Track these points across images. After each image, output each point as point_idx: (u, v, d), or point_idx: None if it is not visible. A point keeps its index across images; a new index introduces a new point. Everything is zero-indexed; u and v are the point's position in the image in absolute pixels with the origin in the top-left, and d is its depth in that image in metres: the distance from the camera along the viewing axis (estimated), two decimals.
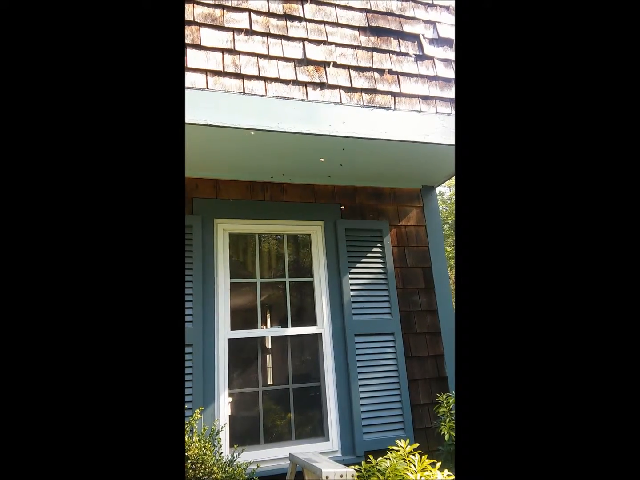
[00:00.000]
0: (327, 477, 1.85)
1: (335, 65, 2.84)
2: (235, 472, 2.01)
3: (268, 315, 3.23)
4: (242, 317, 3.04)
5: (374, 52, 2.96)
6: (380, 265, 3.28)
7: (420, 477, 1.71)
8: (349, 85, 2.82)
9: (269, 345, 3.16)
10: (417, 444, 2.00)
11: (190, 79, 2.51)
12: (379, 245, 3.32)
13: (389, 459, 1.87)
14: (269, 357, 3.16)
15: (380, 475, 1.83)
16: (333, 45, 2.89)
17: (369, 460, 2.02)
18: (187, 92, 2.47)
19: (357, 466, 2.04)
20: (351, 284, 3.17)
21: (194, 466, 1.90)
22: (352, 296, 3.14)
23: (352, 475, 1.88)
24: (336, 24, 2.95)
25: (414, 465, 1.80)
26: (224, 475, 1.96)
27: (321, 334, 3.09)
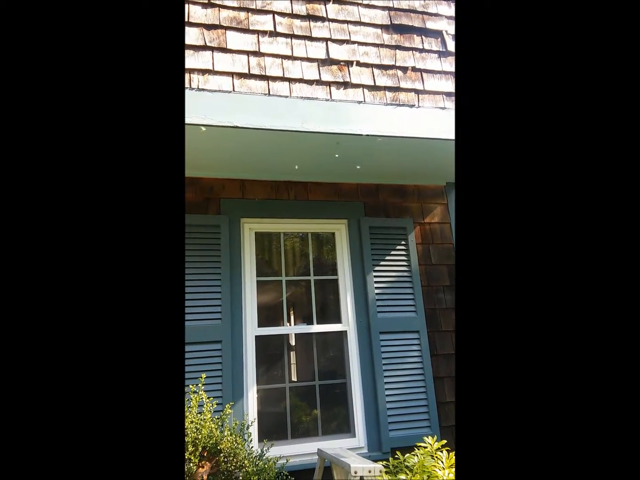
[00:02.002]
0: (355, 472, 1.88)
1: (359, 64, 2.85)
2: (266, 466, 2.07)
3: (294, 312, 3.28)
4: (268, 315, 3.10)
5: (397, 50, 2.96)
6: (404, 263, 3.28)
7: (449, 473, 1.72)
8: (372, 84, 2.83)
9: (294, 342, 3.21)
10: (445, 441, 2.01)
11: (216, 82, 2.57)
12: (403, 242, 3.33)
13: (417, 455, 1.88)
14: (295, 354, 3.21)
15: (408, 471, 1.85)
16: (356, 44, 2.90)
17: (396, 456, 2.05)
18: (213, 95, 2.52)
19: (384, 462, 2.06)
20: (375, 282, 3.18)
21: (226, 459, 1.96)
22: (376, 294, 3.15)
23: (380, 471, 1.91)
24: (359, 23, 2.97)
25: (442, 462, 1.81)
26: (254, 469, 2.02)
27: (346, 331, 3.12)
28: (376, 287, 3.17)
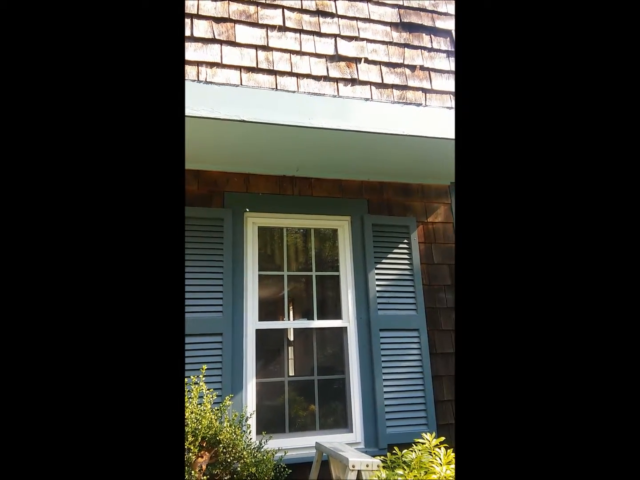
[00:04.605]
0: (353, 466, 1.90)
1: (367, 61, 2.85)
2: (264, 458, 2.08)
3: (294, 307, 3.29)
4: (269, 309, 3.11)
5: (406, 48, 2.96)
6: (406, 261, 3.29)
7: (446, 469, 1.74)
8: (380, 82, 2.83)
9: (294, 337, 3.23)
10: (443, 438, 2.02)
11: (225, 75, 2.57)
12: (405, 241, 3.34)
13: (414, 451, 1.90)
14: (294, 349, 3.23)
15: (405, 467, 1.86)
16: (365, 41, 2.90)
17: (394, 451, 2.06)
18: (221, 88, 2.53)
19: (382, 457, 2.08)
20: (377, 279, 3.19)
21: (225, 450, 1.98)
22: (377, 291, 3.17)
23: (378, 466, 1.93)
24: (368, 20, 2.97)
25: (440, 458, 1.83)
26: (253, 460, 2.04)
27: (346, 327, 3.14)
28: (377, 285, 3.18)
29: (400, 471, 1.82)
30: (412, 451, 1.94)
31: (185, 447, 1.87)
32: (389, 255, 3.28)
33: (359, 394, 2.99)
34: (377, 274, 3.21)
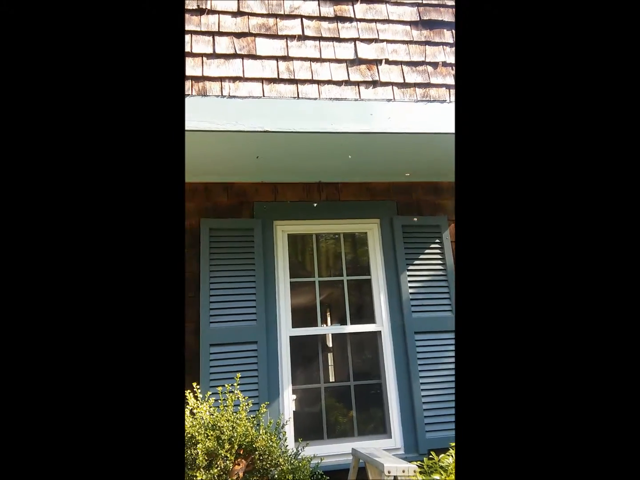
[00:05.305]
0: (389, 472, 1.88)
1: (387, 62, 2.83)
2: (300, 465, 2.09)
3: (327, 313, 3.30)
4: (302, 315, 3.13)
5: (427, 46, 2.92)
6: (439, 261, 3.22)
7: None
8: (402, 81, 2.81)
9: (329, 342, 3.23)
10: None
11: (247, 88, 2.63)
12: (437, 241, 3.27)
13: (451, 456, 1.85)
14: (329, 354, 3.23)
15: (442, 472, 1.82)
16: (385, 43, 2.89)
17: (430, 456, 2.02)
18: (244, 101, 2.58)
19: (419, 462, 2.04)
20: (409, 281, 3.15)
21: (261, 457, 2.00)
22: (410, 293, 3.12)
23: (414, 471, 1.89)
24: (387, 21, 2.95)
25: None
26: (290, 467, 2.05)
27: (380, 331, 3.11)
28: (410, 287, 3.14)
29: (437, 476, 1.78)
30: (449, 455, 1.90)
31: (222, 454, 1.91)
32: (421, 256, 3.22)
33: (397, 398, 2.94)
34: (409, 275, 3.16)
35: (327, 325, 3.24)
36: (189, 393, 2.14)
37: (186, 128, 2.49)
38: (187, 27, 2.67)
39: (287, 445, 2.27)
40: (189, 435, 1.95)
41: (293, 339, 3.00)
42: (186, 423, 2.00)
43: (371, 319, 3.16)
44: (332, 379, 3.17)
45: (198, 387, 2.26)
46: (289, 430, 2.75)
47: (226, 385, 2.22)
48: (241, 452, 2.00)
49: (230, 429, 1.97)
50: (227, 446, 1.92)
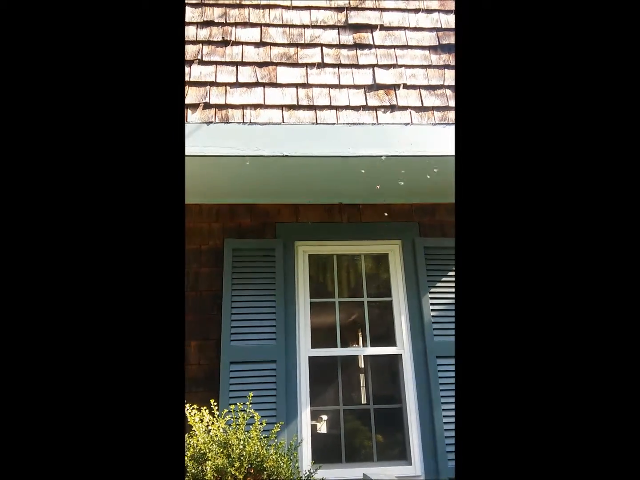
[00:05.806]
0: None
1: (405, 86, 2.87)
2: None
3: (347, 334, 3.29)
4: (322, 336, 3.14)
5: (446, 69, 2.94)
6: None
7: None
8: (420, 105, 2.83)
9: (348, 364, 3.21)
10: None
11: (267, 115, 2.74)
12: None
13: None
14: (348, 376, 3.21)
15: None
16: (403, 68, 2.93)
17: None
18: (264, 128, 2.69)
19: None
20: (432, 304, 3.10)
21: (269, 478, 2.01)
22: (432, 316, 3.07)
23: None
24: (406, 47, 3.00)
25: None
26: None
27: (401, 354, 3.06)
28: (432, 309, 3.09)
29: None
30: None
31: (232, 472, 1.94)
32: (443, 279, 3.17)
33: (417, 423, 2.88)
34: (431, 298, 3.12)
35: (346, 347, 3.23)
36: (205, 410, 2.19)
37: (209, 154, 2.62)
38: (212, 58, 2.84)
39: (297, 467, 2.27)
40: (201, 452, 1.99)
41: (312, 360, 3.02)
42: (199, 439, 2.05)
43: (392, 342, 3.12)
44: (351, 401, 3.15)
45: (216, 403, 2.31)
46: (307, 451, 2.75)
47: (238, 404, 2.25)
48: (251, 472, 2.02)
49: (241, 447, 2.00)
50: (236, 464, 1.95)
